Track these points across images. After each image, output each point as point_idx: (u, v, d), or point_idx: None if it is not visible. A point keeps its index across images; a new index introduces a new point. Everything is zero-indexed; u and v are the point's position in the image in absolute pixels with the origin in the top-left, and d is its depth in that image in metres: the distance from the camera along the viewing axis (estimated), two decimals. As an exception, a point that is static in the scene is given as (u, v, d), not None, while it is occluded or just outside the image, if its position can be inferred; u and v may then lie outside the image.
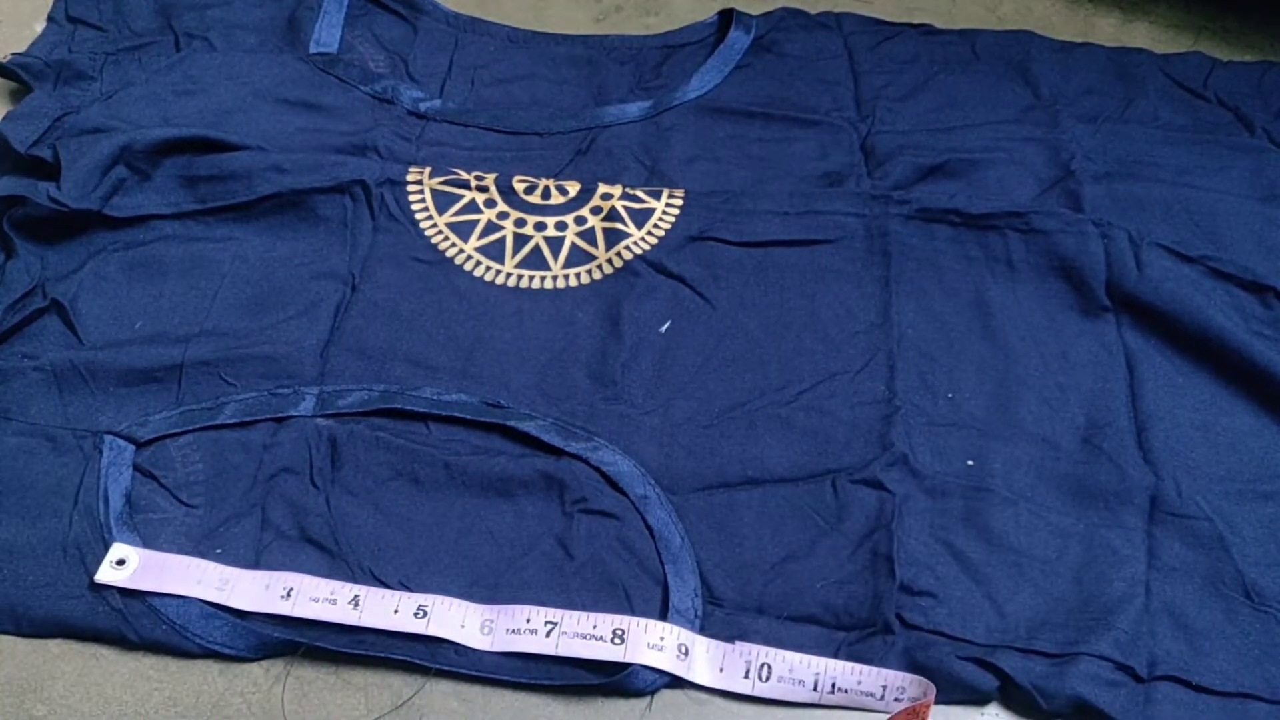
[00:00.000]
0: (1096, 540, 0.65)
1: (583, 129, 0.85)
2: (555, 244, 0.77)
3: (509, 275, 0.76)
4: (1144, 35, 0.96)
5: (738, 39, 0.92)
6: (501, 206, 0.78)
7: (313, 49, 0.88)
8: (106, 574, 0.61)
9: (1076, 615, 0.62)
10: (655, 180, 0.81)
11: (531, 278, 0.76)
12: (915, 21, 0.95)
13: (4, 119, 0.80)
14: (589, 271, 0.76)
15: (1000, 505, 0.66)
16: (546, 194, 0.79)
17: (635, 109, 0.87)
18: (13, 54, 0.85)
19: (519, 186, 0.79)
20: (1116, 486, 0.67)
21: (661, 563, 0.64)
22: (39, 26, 0.90)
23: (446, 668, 0.60)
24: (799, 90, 0.89)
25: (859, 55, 0.91)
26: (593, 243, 0.77)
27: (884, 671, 0.59)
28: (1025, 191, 0.81)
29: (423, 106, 0.86)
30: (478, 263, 0.76)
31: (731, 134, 0.86)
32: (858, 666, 0.59)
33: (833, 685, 0.59)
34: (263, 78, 0.85)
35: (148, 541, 0.63)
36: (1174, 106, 0.88)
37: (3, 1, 0.93)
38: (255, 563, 0.63)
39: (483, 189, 0.79)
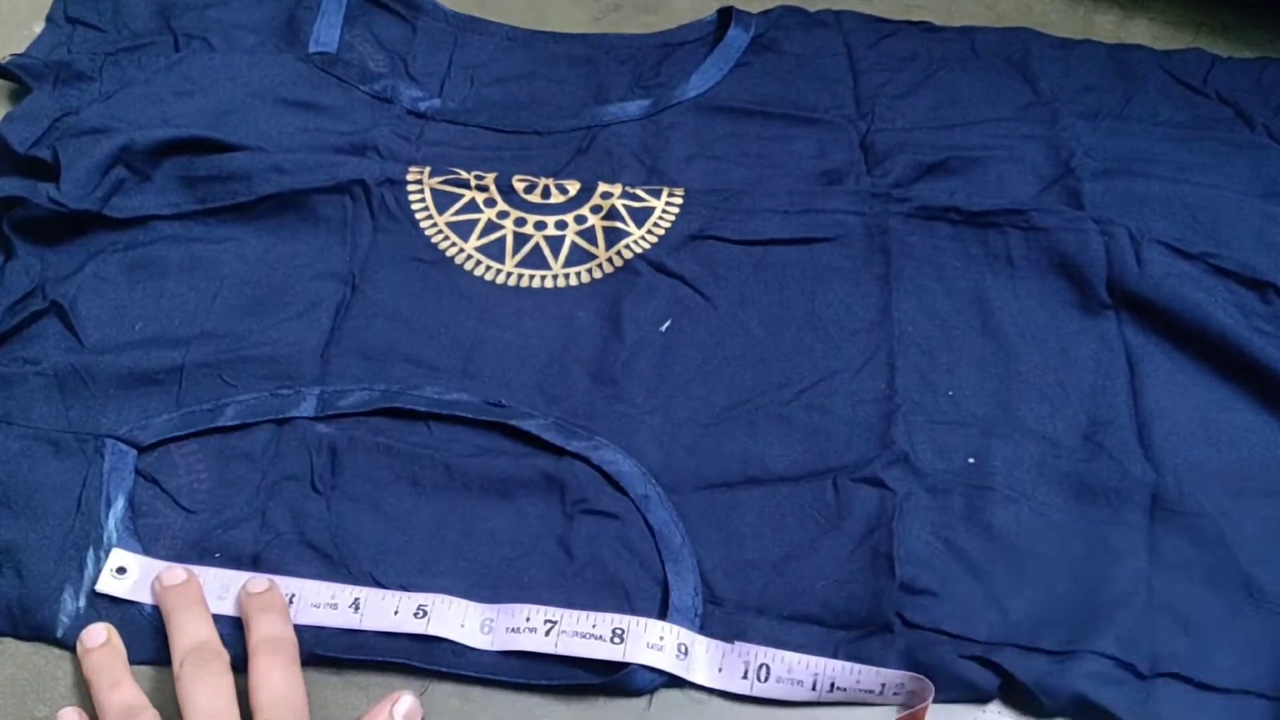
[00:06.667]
0: (1098, 538, 0.65)
1: (582, 128, 0.85)
2: (555, 243, 0.77)
3: (509, 274, 0.76)
4: (1143, 32, 0.96)
5: (737, 37, 0.91)
6: (501, 205, 0.78)
7: (312, 49, 0.88)
8: (107, 583, 0.61)
9: (1078, 613, 0.62)
10: (655, 179, 0.81)
11: (532, 277, 0.76)
12: (914, 19, 0.95)
13: (3, 120, 0.79)
14: (589, 270, 0.76)
15: (1001, 503, 0.66)
16: (546, 193, 0.78)
17: (635, 108, 0.87)
18: (11, 54, 0.85)
19: (519, 185, 0.79)
20: (1118, 484, 0.67)
21: (662, 562, 0.63)
22: (38, 27, 0.90)
23: (446, 669, 0.60)
24: (798, 88, 0.89)
25: (858, 53, 0.91)
26: (593, 242, 0.77)
27: (883, 671, 0.59)
28: (1025, 189, 0.80)
29: (422, 106, 0.86)
30: (478, 262, 0.76)
31: (731, 132, 0.86)
32: (856, 666, 0.59)
33: (831, 685, 0.59)
34: (262, 78, 0.85)
35: (147, 546, 0.63)
36: (1174, 103, 0.88)
37: (2, 2, 0.92)
38: (254, 564, 0.63)
39: (483, 188, 0.78)
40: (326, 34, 0.89)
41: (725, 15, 0.93)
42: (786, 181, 0.81)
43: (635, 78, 0.90)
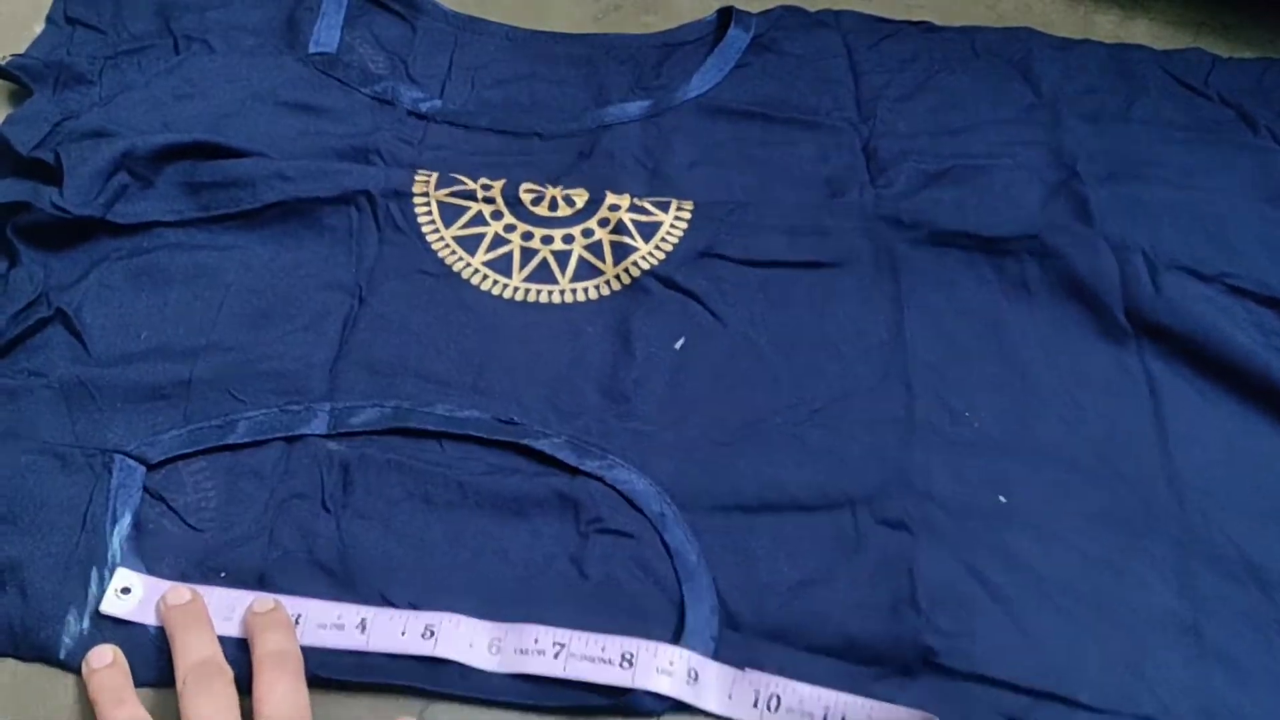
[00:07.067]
0: (1126, 570, 0.63)
1: (584, 130, 0.84)
2: (563, 258, 0.75)
3: (516, 289, 0.74)
4: (1143, 32, 0.94)
5: (737, 37, 0.90)
6: (508, 219, 0.77)
7: (312, 50, 0.87)
8: (111, 603, 0.60)
9: (1113, 654, 0.60)
10: (658, 182, 0.80)
11: (539, 291, 0.74)
12: (914, 19, 0.93)
13: (5, 122, 0.78)
14: (597, 286, 0.74)
15: (1023, 532, 0.64)
16: (554, 205, 0.77)
17: (635, 108, 0.85)
18: (12, 55, 0.83)
19: (525, 198, 0.77)
20: (1143, 515, 0.65)
21: (678, 581, 0.62)
22: (38, 28, 0.88)
23: (452, 691, 0.59)
24: (799, 90, 0.88)
25: (859, 54, 0.90)
26: (600, 256, 0.75)
27: (897, 707, 0.57)
28: (1032, 194, 0.79)
29: (423, 107, 0.84)
30: (485, 276, 0.74)
31: (732, 136, 0.85)
32: (869, 701, 0.57)
33: (842, 718, 0.57)
34: (262, 80, 0.84)
35: (152, 566, 0.62)
36: (1175, 104, 0.87)
37: (2, 3, 0.91)
38: (259, 583, 0.61)
39: (489, 200, 0.77)
40: (326, 35, 0.88)
41: (725, 15, 0.92)
42: (792, 192, 0.80)
43: (636, 78, 0.89)
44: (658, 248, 0.75)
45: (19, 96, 0.84)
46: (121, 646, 0.59)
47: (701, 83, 0.88)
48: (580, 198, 0.77)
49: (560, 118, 0.86)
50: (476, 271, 0.75)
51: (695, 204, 0.77)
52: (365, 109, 0.85)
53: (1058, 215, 0.78)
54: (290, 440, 0.67)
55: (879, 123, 0.85)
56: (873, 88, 0.88)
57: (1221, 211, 0.79)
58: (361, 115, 0.84)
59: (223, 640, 0.59)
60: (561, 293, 0.74)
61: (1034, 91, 0.88)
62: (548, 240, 0.76)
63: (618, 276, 0.75)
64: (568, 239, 0.76)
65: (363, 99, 0.85)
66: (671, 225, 0.76)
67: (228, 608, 0.60)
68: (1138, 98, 0.88)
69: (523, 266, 0.75)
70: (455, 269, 0.75)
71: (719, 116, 0.86)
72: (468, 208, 0.77)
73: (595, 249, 0.76)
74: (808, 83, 0.89)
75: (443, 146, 0.83)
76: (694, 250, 0.75)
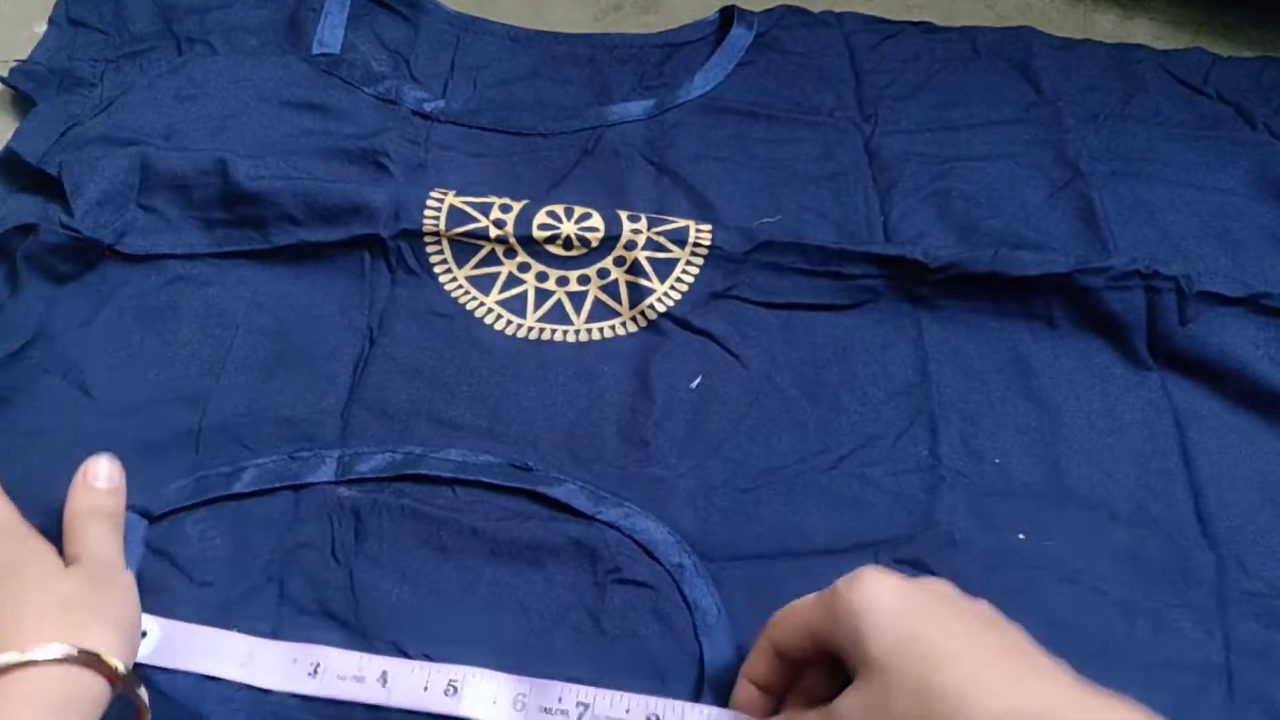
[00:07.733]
0: (1165, 621, 0.61)
1: (587, 128, 0.83)
2: (578, 299, 0.73)
3: (530, 328, 0.72)
4: (1144, 32, 0.93)
5: (740, 36, 0.89)
6: (522, 257, 0.74)
7: (315, 50, 0.85)
8: None
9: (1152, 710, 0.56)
10: (665, 178, 0.80)
11: (554, 331, 0.72)
12: (915, 19, 0.92)
13: (14, 136, 0.77)
14: (613, 327, 0.72)
15: (1054, 579, 0.62)
16: (569, 244, 0.74)
17: (638, 108, 0.84)
18: (17, 61, 0.82)
19: (540, 235, 0.73)
20: (1179, 561, 0.63)
21: (697, 636, 0.60)
22: (38, 27, 0.86)
23: None
24: (802, 89, 0.87)
25: (861, 54, 0.89)
26: (616, 298, 0.73)
27: None
28: (1037, 194, 0.79)
29: (427, 107, 0.83)
30: (498, 316, 0.72)
31: (736, 134, 0.83)
32: None
33: None
34: (266, 80, 0.82)
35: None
36: (1175, 103, 0.86)
37: (2, 3, 0.89)
38: (272, 636, 0.59)
39: (502, 240, 0.74)
40: (330, 35, 0.87)
41: (727, 16, 0.91)
42: (809, 221, 0.79)
43: (638, 78, 0.88)
44: (673, 288, 0.73)
45: (20, 100, 0.83)
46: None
47: (705, 81, 0.86)
48: (595, 236, 0.74)
49: (563, 116, 0.84)
50: (490, 311, 0.73)
51: (713, 226, 0.74)
52: (369, 109, 0.83)
53: (1064, 218, 0.78)
54: (299, 488, 0.65)
55: (881, 121, 0.84)
56: (875, 86, 0.87)
57: (1221, 207, 0.79)
58: (366, 115, 0.82)
59: (242, 686, 0.58)
60: (576, 332, 0.72)
61: (1035, 90, 0.87)
62: (563, 282, 0.74)
63: (634, 319, 0.72)
64: (583, 280, 0.74)
65: (367, 99, 0.84)
66: (687, 262, 0.73)
67: (246, 654, 0.58)
68: (1137, 95, 0.87)
69: (537, 307, 0.73)
70: (469, 308, 0.73)
71: (723, 115, 0.85)
72: (480, 246, 0.74)
73: (611, 290, 0.73)
74: (810, 81, 0.88)
75: (448, 146, 0.82)
76: (709, 291, 0.73)
